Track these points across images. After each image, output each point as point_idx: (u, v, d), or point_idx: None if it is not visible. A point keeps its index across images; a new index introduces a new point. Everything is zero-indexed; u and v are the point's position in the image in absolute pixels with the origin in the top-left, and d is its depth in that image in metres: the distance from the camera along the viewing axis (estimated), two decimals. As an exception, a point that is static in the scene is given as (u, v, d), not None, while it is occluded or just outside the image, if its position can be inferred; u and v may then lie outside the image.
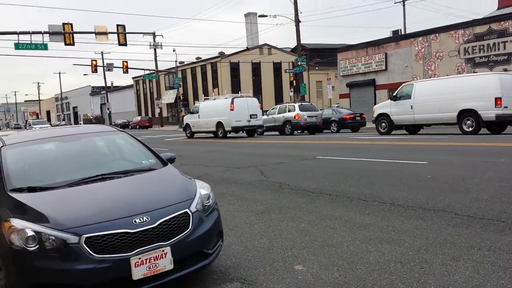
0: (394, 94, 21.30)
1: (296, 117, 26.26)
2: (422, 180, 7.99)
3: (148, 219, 3.66)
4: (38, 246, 3.41)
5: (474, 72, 23.71)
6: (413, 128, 21.18)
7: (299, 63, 37.28)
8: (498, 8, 39.69)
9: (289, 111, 27.10)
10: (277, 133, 28.05)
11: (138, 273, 3.48)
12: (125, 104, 79.66)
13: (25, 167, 4.63)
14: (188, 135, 28.97)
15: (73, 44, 29.51)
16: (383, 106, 21.93)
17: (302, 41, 38.54)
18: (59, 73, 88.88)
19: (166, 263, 3.61)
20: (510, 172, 8.14)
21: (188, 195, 4.13)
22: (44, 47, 29.11)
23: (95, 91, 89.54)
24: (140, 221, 3.62)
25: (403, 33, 42.12)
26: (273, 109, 29.48)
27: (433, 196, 6.71)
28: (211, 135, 27.80)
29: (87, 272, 3.37)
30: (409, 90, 20.25)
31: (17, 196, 3.97)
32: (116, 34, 32.33)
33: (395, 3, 48.36)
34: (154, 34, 48.43)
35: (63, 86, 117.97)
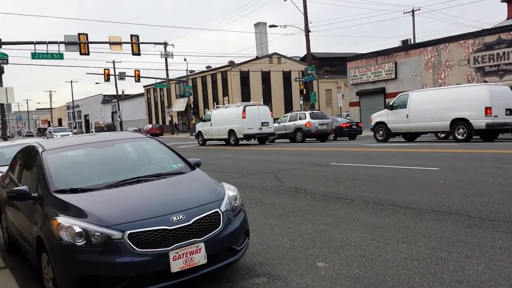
0: (391, 103, 22.20)
1: (307, 125, 26.58)
2: (434, 185, 8.25)
3: (184, 217, 3.98)
4: (85, 241, 3.74)
5: (485, 81, 23.94)
6: (410, 136, 21.99)
7: (309, 72, 37.63)
8: (508, 18, 39.77)
9: (300, 119, 27.43)
10: (288, 140, 28.36)
11: (176, 266, 3.80)
12: (136, 112, 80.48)
13: (65, 170, 4.98)
14: (200, 142, 29.38)
15: (88, 54, 30.13)
16: (381, 115, 22.77)
17: (311, 50, 38.87)
18: (71, 81, 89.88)
19: (200, 258, 3.93)
20: (521, 178, 8.37)
21: (217, 196, 4.45)
22: (60, 56, 29.76)
23: (106, 99, 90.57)
24: (176, 219, 3.94)
25: (412, 42, 42.34)
26: (284, 117, 29.81)
27: (446, 199, 6.97)
28: (223, 142, 28.19)
29: (131, 264, 3.69)
30: (404, 100, 21.19)
31: (62, 196, 4.30)
32: (129, 44, 32.96)
33: (404, 13, 48.63)
34: (165, 44, 49.13)
35: (74, 95, 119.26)
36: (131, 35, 32.58)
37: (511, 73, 28.93)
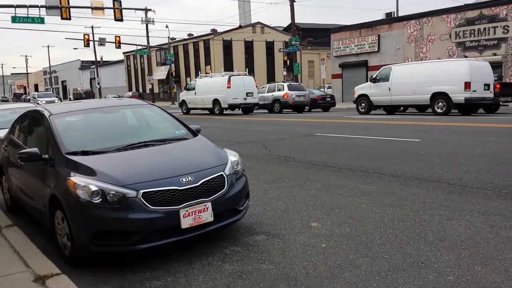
0: (374, 76, 22.69)
1: (285, 96, 27.01)
2: (417, 155, 8.72)
3: (192, 178, 4.28)
4: (101, 199, 4.01)
5: (465, 56, 24.48)
6: (391, 109, 22.64)
7: (293, 42, 37.66)
8: (490, -7, 40.24)
9: (278, 90, 27.82)
10: (266, 111, 28.72)
11: (185, 223, 4.12)
12: (116, 79, 79.25)
13: (74, 134, 5.18)
14: (184, 111, 29.45)
15: (70, 19, 29.43)
16: (363, 87, 23.33)
17: (295, 21, 38.76)
18: (48, 46, 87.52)
19: (207, 216, 4.26)
20: (497, 150, 8.90)
21: (222, 160, 4.76)
22: (41, 20, 29.00)
23: (85, 65, 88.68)
24: (186, 180, 4.24)
25: (396, 15, 42.58)
26: (262, 88, 30.09)
27: (428, 169, 7.44)
28: (207, 112, 28.32)
29: (145, 221, 4.00)
30: (387, 73, 21.71)
31: (74, 158, 4.53)
32: (111, 9, 32.32)
33: (388, -16, 48.62)
34: (146, 10, 48.13)
35: (51, 60, 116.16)
36: (114, 0, 31.94)
37: (490, 49, 29.59)
